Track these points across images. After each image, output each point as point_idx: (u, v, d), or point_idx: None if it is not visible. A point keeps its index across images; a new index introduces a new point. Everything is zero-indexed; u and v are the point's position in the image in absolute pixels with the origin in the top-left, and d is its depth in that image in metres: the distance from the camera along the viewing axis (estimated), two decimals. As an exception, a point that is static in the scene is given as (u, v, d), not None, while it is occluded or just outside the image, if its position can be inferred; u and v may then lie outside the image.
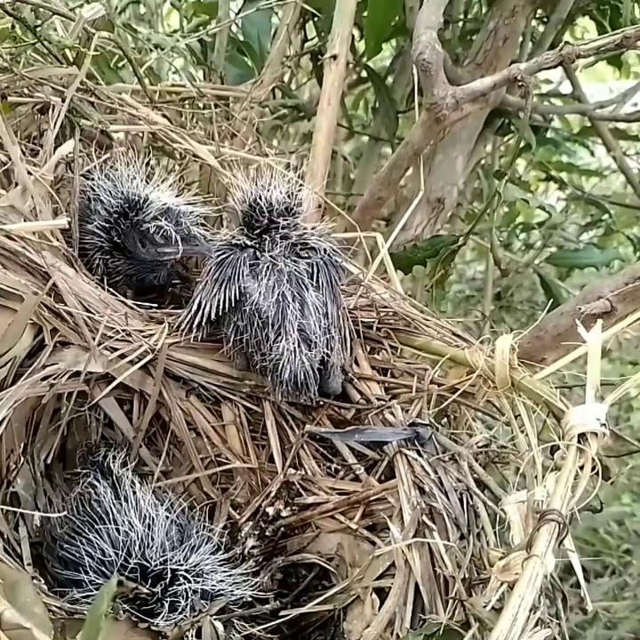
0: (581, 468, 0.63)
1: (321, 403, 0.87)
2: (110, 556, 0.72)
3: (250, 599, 0.74)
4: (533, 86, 0.87)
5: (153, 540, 0.73)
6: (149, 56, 1.18)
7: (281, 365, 0.81)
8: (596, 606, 1.84)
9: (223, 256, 0.83)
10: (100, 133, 0.97)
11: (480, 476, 0.78)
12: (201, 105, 1.15)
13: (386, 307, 0.93)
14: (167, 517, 0.76)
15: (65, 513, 0.78)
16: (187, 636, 0.66)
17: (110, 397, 0.86)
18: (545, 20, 1.54)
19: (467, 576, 0.70)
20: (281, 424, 0.89)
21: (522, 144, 1.16)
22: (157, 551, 0.72)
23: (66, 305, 0.81)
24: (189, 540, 0.76)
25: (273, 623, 0.76)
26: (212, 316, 0.82)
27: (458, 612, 0.67)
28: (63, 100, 0.91)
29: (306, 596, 0.81)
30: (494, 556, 0.65)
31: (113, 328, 0.83)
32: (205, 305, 0.82)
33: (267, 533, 0.82)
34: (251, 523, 0.83)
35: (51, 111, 0.91)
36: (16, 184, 0.83)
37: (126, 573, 0.71)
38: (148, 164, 1.00)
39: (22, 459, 0.80)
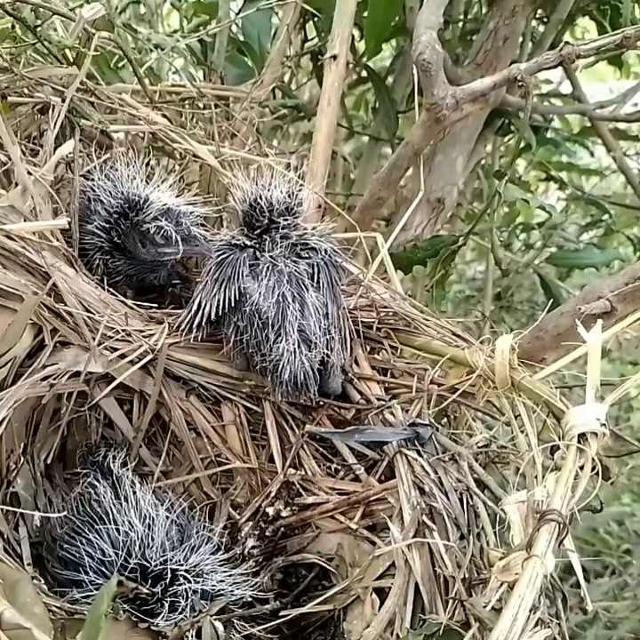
0: (581, 468, 0.63)
1: (321, 403, 0.87)
2: (110, 556, 0.72)
3: (250, 599, 0.74)
4: (533, 86, 0.87)
5: (153, 540, 0.73)
6: (149, 56, 1.18)
7: (281, 366, 0.81)
8: (596, 606, 1.84)
9: (223, 256, 0.83)
10: (100, 133, 0.97)
11: (480, 476, 0.78)
12: (201, 105, 1.15)
13: (386, 307, 0.93)
14: (167, 517, 0.76)
15: (65, 513, 0.78)
16: (187, 636, 0.66)
17: (110, 397, 0.86)
18: (545, 20, 1.54)
19: (467, 576, 0.69)
20: (281, 424, 0.89)
21: (522, 144, 1.16)
22: (157, 551, 0.72)
23: (66, 305, 0.81)
24: (189, 540, 0.76)
25: (273, 623, 0.76)
26: (212, 317, 0.82)
27: (458, 612, 0.67)
28: (63, 100, 0.91)
29: (306, 596, 0.81)
30: (494, 556, 0.65)
31: (113, 328, 0.83)
32: (205, 305, 0.82)
33: (267, 533, 0.82)
34: (251, 523, 0.83)
35: (51, 111, 0.91)
36: (16, 184, 0.83)
37: (126, 573, 0.71)
38: (148, 164, 1.00)
39: (22, 459, 0.80)
